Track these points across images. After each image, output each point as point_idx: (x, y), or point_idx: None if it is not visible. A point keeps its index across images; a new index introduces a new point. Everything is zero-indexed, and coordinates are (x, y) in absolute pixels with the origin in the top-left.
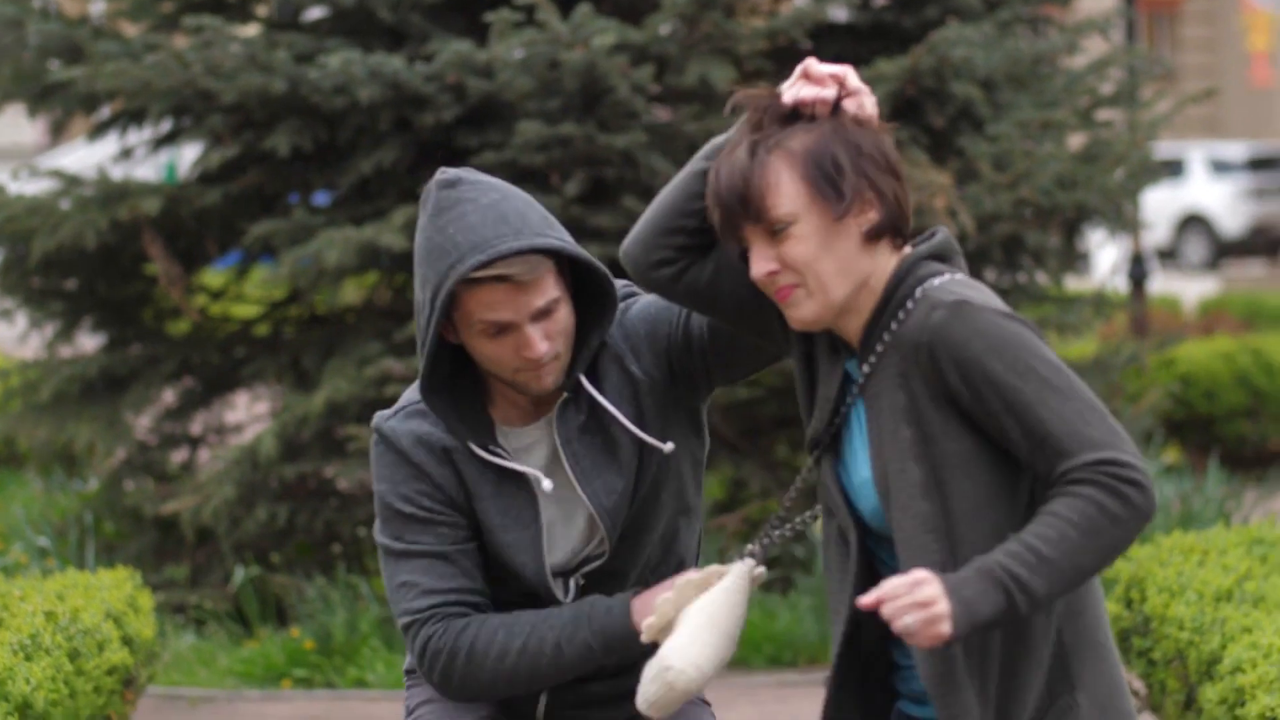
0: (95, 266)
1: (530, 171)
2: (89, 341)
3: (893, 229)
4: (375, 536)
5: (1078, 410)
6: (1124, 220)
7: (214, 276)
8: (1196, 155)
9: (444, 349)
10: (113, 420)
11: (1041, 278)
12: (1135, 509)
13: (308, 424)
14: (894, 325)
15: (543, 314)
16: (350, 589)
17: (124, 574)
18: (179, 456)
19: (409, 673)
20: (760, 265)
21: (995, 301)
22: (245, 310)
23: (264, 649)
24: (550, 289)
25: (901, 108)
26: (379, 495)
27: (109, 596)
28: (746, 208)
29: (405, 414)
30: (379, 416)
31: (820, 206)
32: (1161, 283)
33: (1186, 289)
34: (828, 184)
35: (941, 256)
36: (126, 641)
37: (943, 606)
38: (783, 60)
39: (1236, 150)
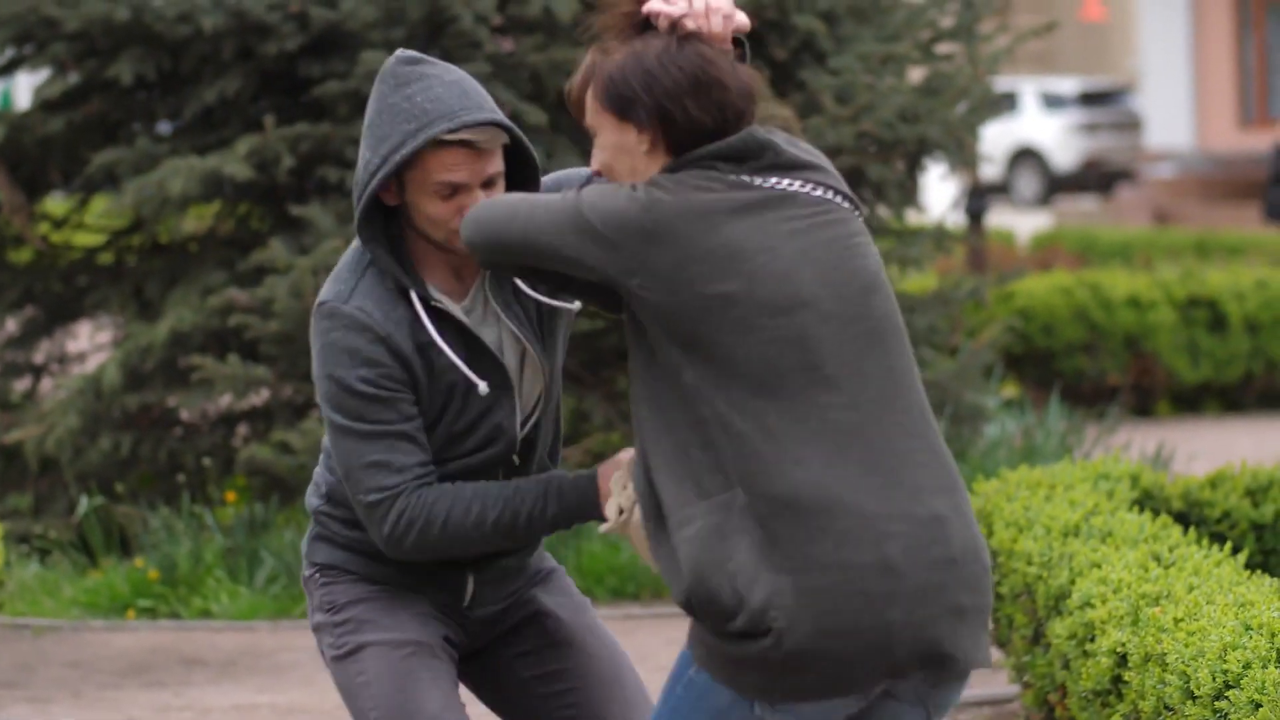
0: None
1: None
2: None
3: (675, 143)
4: (329, 417)
5: None
6: (965, 154)
7: (56, 205)
8: (1029, 90)
9: (375, 211)
10: None
11: (883, 211)
12: None
13: (151, 353)
14: None
15: (490, 182)
16: (195, 519)
17: None
18: (21, 385)
19: (321, 569)
20: (593, 162)
21: (660, 191)
22: (88, 239)
23: (108, 579)
24: (499, 160)
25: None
26: (334, 378)
27: None
28: (577, 111)
29: (348, 296)
30: (327, 296)
31: (610, 122)
32: (994, 217)
33: (1019, 223)
34: (614, 105)
35: (725, 157)
36: None
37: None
38: None
39: (1069, 85)
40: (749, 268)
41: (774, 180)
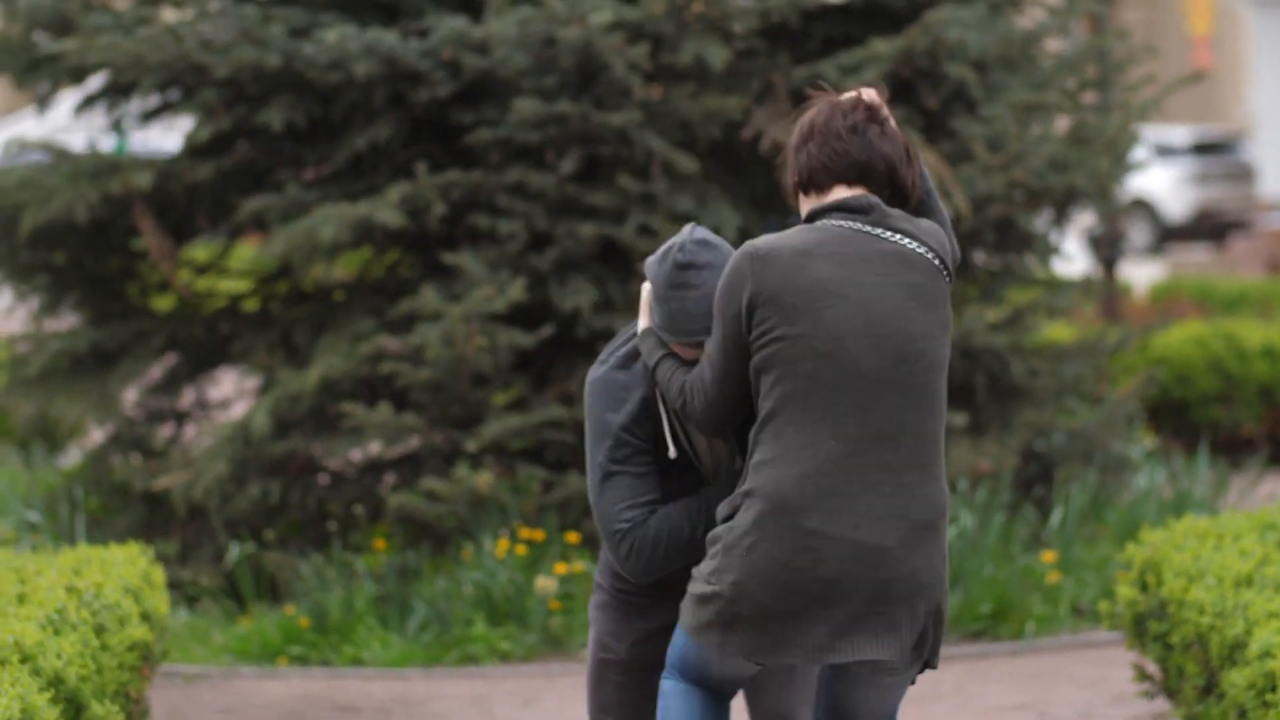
0: (83, 240)
1: (525, 149)
2: (71, 317)
3: (800, 185)
4: (593, 455)
5: None
6: (1110, 204)
7: (200, 251)
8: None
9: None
10: (102, 395)
11: (1030, 260)
12: None
13: (301, 400)
14: None
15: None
16: (345, 566)
17: (135, 550)
18: (165, 432)
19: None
20: None
21: (755, 243)
22: (231, 285)
23: (259, 626)
24: None
25: (896, 89)
26: (607, 422)
27: (125, 572)
28: None
29: (614, 364)
30: (601, 365)
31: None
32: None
33: (1134, 274)
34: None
35: (846, 209)
36: (145, 617)
37: None
38: (775, 39)
39: (1180, 134)
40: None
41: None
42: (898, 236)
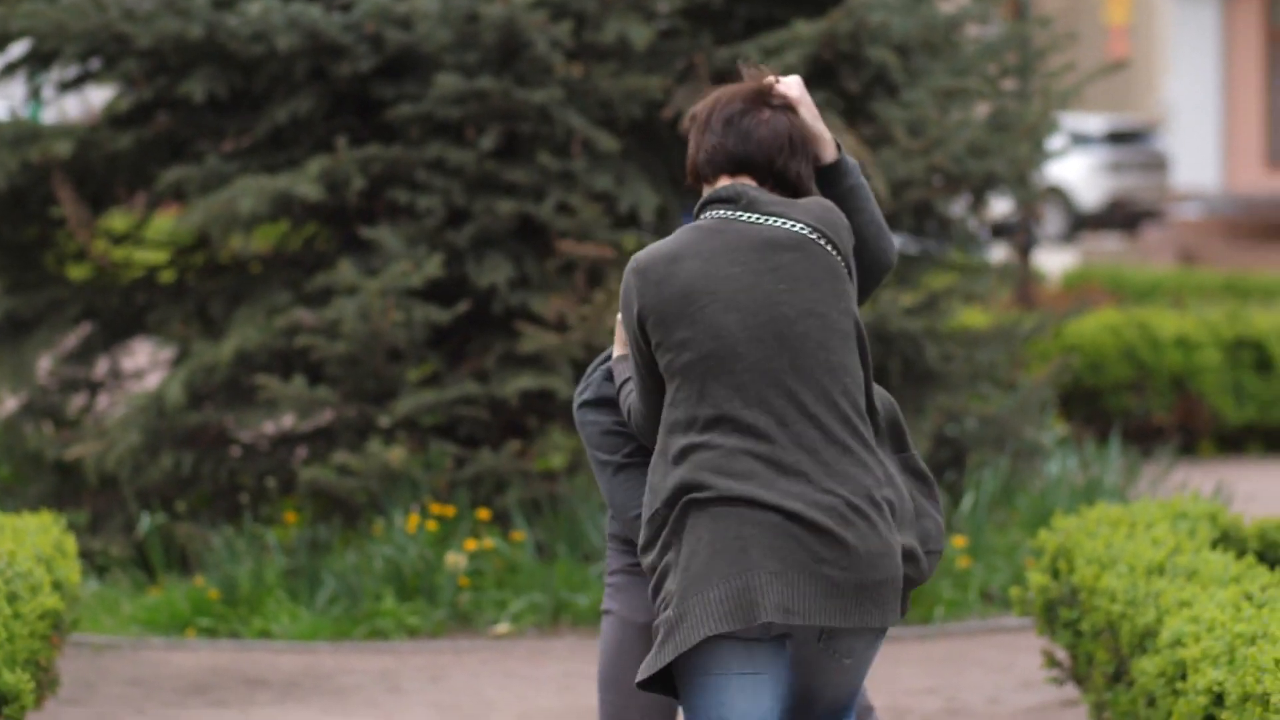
0: (1, 208)
1: (446, 125)
2: None
3: (693, 179)
4: (602, 460)
5: None
6: (1029, 190)
7: (117, 221)
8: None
9: None
10: (16, 363)
11: (948, 246)
12: None
13: (215, 372)
14: None
15: None
16: (255, 539)
17: (48, 519)
18: (79, 401)
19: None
20: None
21: (636, 257)
22: (149, 256)
23: (168, 597)
24: None
25: (818, 72)
26: (605, 427)
27: (37, 541)
28: None
29: (599, 381)
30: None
31: None
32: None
33: (1047, 261)
34: None
35: (719, 200)
36: (57, 586)
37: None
38: (698, 20)
39: (1095, 123)
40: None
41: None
42: (768, 219)
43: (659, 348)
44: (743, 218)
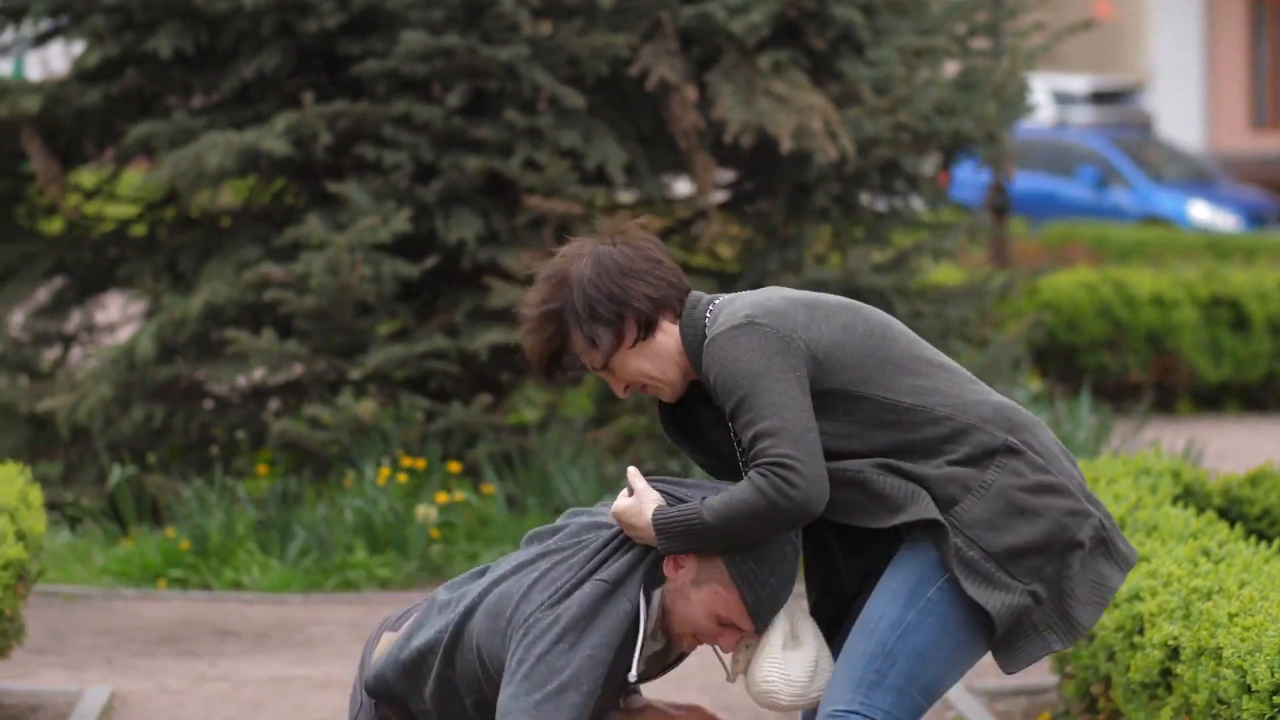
0: None
1: (413, 81)
2: None
3: (652, 321)
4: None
5: (759, 413)
6: (997, 149)
7: (88, 176)
8: (1039, 87)
9: None
10: None
11: (917, 203)
12: (784, 496)
13: (185, 326)
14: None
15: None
16: (227, 491)
17: (13, 469)
18: (51, 355)
19: None
20: (619, 391)
21: (739, 311)
22: (119, 211)
23: (140, 548)
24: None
25: (783, 30)
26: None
27: (2, 492)
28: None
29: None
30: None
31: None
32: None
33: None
34: (600, 333)
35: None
36: (20, 536)
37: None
38: None
39: (1079, 83)
40: None
41: None
42: None
43: None
44: None
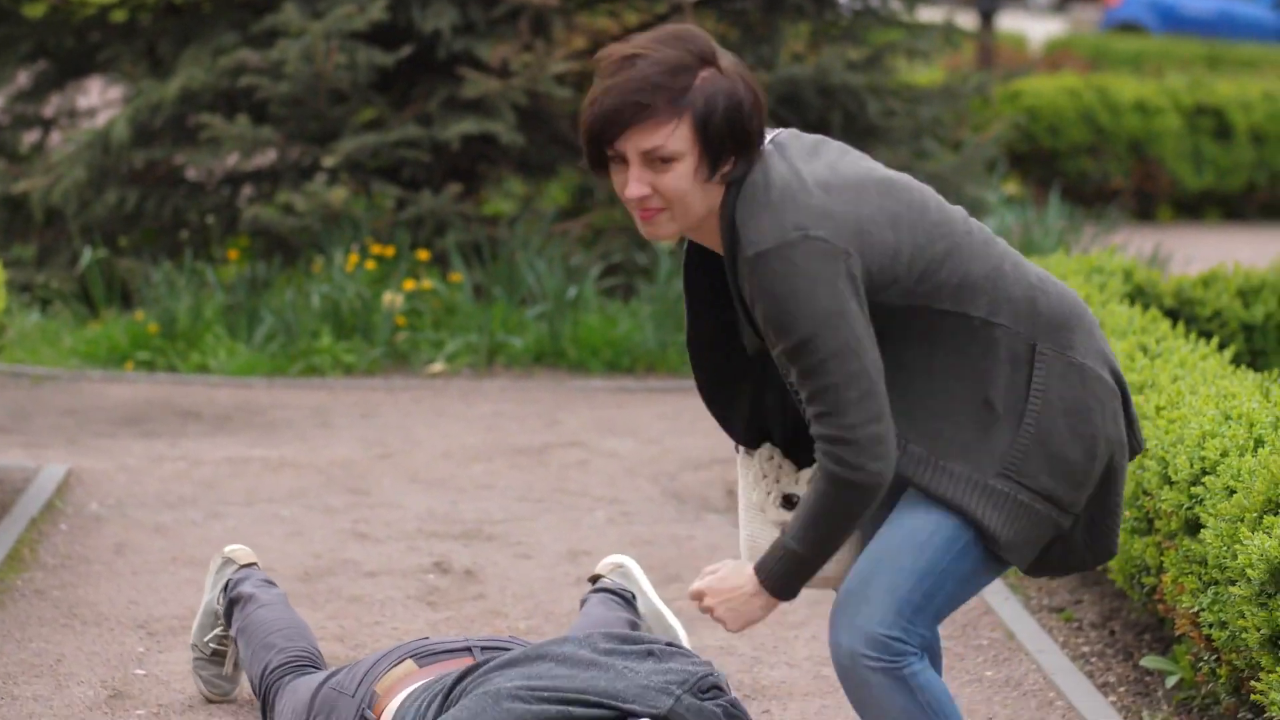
0: None
1: None
2: None
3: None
4: None
5: (826, 372)
6: None
7: None
8: None
9: None
10: None
11: (895, 3)
12: (857, 483)
13: (161, 111)
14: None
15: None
16: (196, 275)
17: None
18: (30, 138)
19: None
20: (634, 188)
21: (788, 221)
22: None
23: (108, 330)
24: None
25: None
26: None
27: None
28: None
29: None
30: None
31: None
32: (1009, 21)
33: (1033, 28)
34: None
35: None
36: None
37: (719, 612)
38: None
39: None
40: None
41: None
42: None
43: None
44: None
